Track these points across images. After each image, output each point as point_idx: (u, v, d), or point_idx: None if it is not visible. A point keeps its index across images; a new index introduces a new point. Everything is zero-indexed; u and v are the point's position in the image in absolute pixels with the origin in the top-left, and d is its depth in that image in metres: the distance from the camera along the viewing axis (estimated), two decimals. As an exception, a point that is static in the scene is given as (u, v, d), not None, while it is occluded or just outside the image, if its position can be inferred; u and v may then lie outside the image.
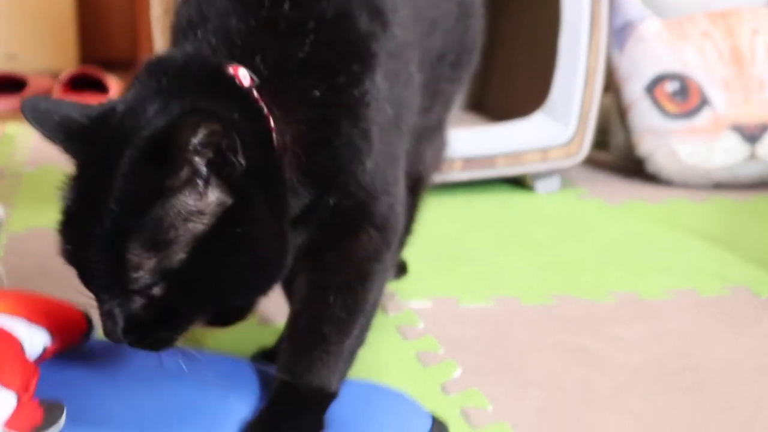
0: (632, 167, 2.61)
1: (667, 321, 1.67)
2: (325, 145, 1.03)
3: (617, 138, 2.74)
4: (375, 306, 1.18)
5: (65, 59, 3.80)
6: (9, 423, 1.02)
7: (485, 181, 2.44)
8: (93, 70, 3.43)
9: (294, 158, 1.01)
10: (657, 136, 2.52)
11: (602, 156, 2.75)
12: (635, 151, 2.56)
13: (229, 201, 0.94)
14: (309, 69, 1.02)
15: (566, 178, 2.52)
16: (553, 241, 2.10)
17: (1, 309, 1.15)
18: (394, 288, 1.69)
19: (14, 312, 1.15)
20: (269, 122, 0.99)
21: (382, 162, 1.10)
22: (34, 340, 1.14)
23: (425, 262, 1.86)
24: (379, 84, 1.07)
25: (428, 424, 1.18)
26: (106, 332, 0.97)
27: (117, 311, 0.95)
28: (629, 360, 1.50)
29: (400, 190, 1.17)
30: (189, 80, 0.98)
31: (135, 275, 0.92)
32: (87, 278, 0.96)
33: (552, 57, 2.38)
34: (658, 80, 2.52)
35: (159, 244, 0.92)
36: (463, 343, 1.54)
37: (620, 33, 2.54)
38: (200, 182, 0.93)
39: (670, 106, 2.52)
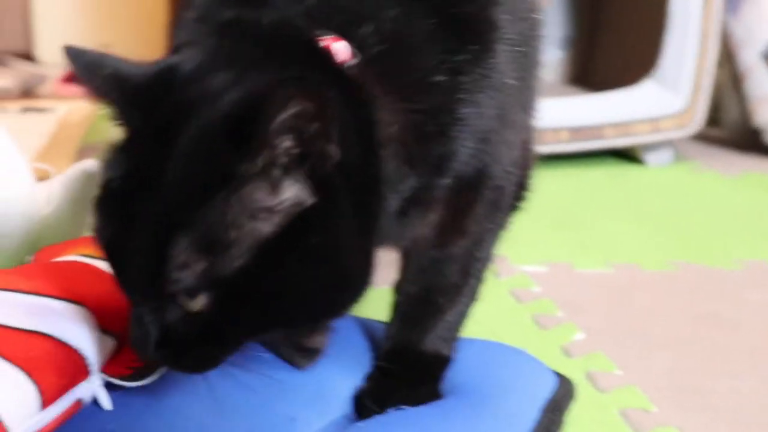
0: (749, 140, 2.47)
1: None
2: (443, 135, 0.86)
3: (731, 113, 2.60)
4: (486, 266, 1.09)
5: (158, 47, 3.79)
6: (107, 367, 0.95)
7: (593, 153, 2.32)
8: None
9: (401, 149, 0.82)
10: (775, 105, 2.38)
11: (715, 132, 2.61)
12: (751, 123, 2.42)
13: (309, 201, 0.74)
14: (431, 46, 0.83)
15: (678, 151, 2.39)
16: (669, 210, 1.99)
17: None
18: (505, 252, 1.59)
19: None
20: (373, 109, 0.79)
21: (502, 135, 0.94)
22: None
23: (536, 229, 1.76)
24: (503, 58, 0.90)
25: (554, 381, 1.08)
26: (134, 342, 0.78)
27: (149, 319, 0.77)
28: (763, 322, 1.39)
29: (515, 153, 1.04)
30: (273, 49, 0.78)
31: (176, 276, 0.72)
32: (120, 270, 0.77)
33: (661, 21, 2.25)
34: (776, 45, 2.38)
35: (214, 243, 0.72)
36: (582, 306, 1.44)
37: (735, -2, 2.41)
38: (277, 172, 0.72)
39: (789, 73, 2.38)
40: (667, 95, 2.26)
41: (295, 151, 0.72)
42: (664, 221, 1.89)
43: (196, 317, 0.75)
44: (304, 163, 0.73)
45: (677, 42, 2.25)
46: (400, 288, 1.06)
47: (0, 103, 2.80)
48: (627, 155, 2.37)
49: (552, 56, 2.66)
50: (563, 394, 1.07)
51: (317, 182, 0.74)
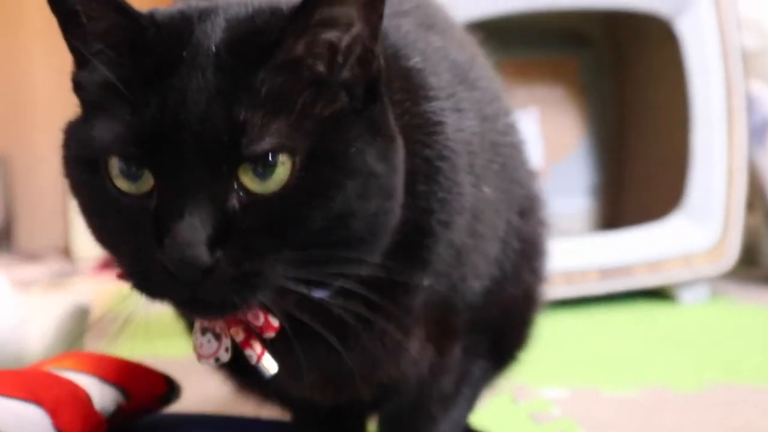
0: (789, 277, 2.37)
1: None
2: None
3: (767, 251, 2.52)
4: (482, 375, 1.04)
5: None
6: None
7: (623, 295, 2.23)
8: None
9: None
10: (812, 238, 2.30)
11: (754, 272, 2.52)
12: (789, 257, 2.33)
13: (359, 89, 0.76)
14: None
15: (715, 289, 2.29)
16: (705, 340, 1.88)
17: (72, 366, 1.05)
18: (525, 378, 1.50)
19: (86, 369, 1.05)
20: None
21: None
22: (106, 396, 1.03)
23: (561, 360, 1.67)
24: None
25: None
26: (180, 255, 0.68)
27: (199, 218, 0.69)
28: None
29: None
30: None
31: (253, 136, 0.69)
32: (177, 153, 0.70)
33: (686, 157, 2.21)
34: (806, 177, 2.32)
35: (281, 107, 0.71)
36: (605, 426, 1.33)
37: (760, 131, 2.36)
38: (341, 53, 0.75)
39: (823, 204, 2.30)
40: (697, 228, 2.19)
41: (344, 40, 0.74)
42: (699, 348, 1.79)
43: (258, 204, 0.70)
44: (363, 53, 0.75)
45: (703, 175, 2.20)
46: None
47: (26, 288, 2.82)
48: (661, 295, 2.27)
49: (580, 205, 2.61)
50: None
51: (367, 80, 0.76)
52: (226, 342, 0.81)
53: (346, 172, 0.73)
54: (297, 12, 0.72)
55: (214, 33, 0.73)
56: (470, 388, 1.04)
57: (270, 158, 0.70)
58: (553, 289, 2.08)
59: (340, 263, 0.75)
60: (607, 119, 2.61)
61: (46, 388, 0.94)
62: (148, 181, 0.72)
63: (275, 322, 0.78)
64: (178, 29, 0.74)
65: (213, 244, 0.69)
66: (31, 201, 3.91)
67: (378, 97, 0.77)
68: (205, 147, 0.69)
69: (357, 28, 0.74)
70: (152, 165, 0.71)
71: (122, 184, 0.72)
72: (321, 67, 0.75)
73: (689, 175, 2.20)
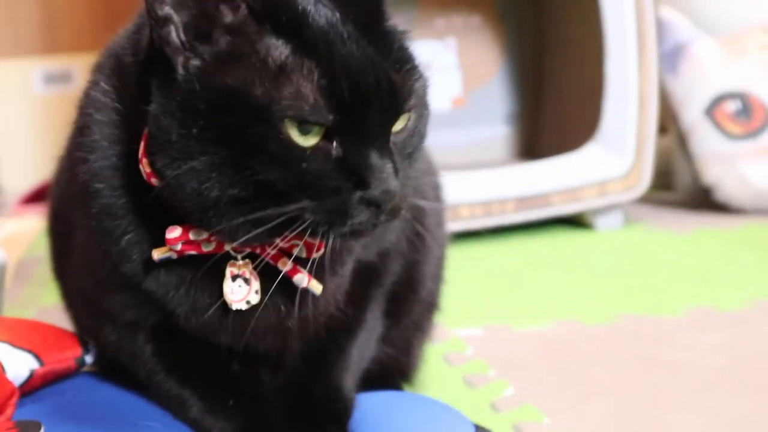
0: (700, 200, 2.43)
1: (749, 328, 1.49)
2: None
3: (682, 174, 2.57)
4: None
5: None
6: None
7: (541, 222, 2.27)
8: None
9: None
10: (722, 161, 2.35)
11: (668, 196, 2.58)
12: (701, 181, 2.39)
13: None
14: None
15: (629, 215, 2.35)
16: (617, 269, 1.94)
17: None
18: (440, 318, 1.54)
19: None
20: None
21: None
22: (18, 363, 1.03)
23: (475, 296, 1.71)
24: None
25: (470, 430, 1.02)
26: (386, 189, 0.82)
27: (388, 159, 0.84)
28: (706, 363, 1.33)
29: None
30: None
31: (403, 95, 0.85)
32: (357, 117, 0.82)
33: (600, 86, 2.24)
34: (718, 101, 2.36)
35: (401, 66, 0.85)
36: (517, 363, 1.38)
37: (672, 57, 2.40)
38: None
39: (733, 127, 2.35)
40: (611, 157, 2.23)
41: None
42: (611, 279, 1.84)
43: (398, 138, 0.86)
44: None
45: (616, 104, 2.23)
46: None
47: (-50, 226, 2.78)
48: (578, 223, 2.32)
49: (499, 133, 2.64)
50: (480, 442, 1.02)
51: None
52: (256, 285, 0.90)
53: (425, 108, 0.91)
54: None
55: (321, 2, 0.84)
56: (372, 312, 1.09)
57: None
58: (471, 220, 2.13)
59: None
60: (525, 48, 2.63)
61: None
62: (317, 134, 0.81)
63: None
64: (281, 2, 0.83)
65: (395, 176, 0.83)
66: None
67: None
68: (382, 106, 0.83)
69: None
70: (335, 121, 0.81)
71: (299, 138, 0.80)
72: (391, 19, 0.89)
73: (603, 104, 2.23)
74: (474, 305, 1.66)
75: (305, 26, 0.82)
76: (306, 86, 0.80)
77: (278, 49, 0.81)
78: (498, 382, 1.30)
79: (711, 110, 2.36)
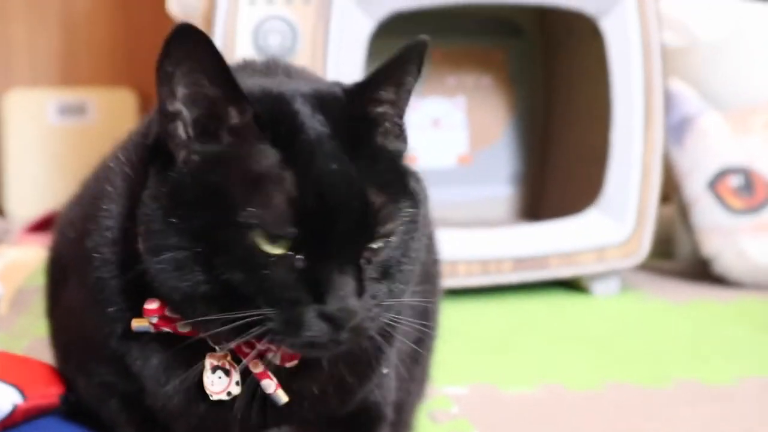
0: (699, 270, 2.44)
1: (734, 404, 1.50)
2: None
3: (682, 245, 2.58)
4: None
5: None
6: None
7: (538, 284, 2.28)
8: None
9: None
10: (723, 234, 2.36)
11: (667, 265, 2.58)
12: (700, 252, 2.40)
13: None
14: None
15: (627, 281, 2.36)
16: (609, 335, 1.95)
17: None
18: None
19: None
20: None
21: None
22: (1, 396, 1.04)
23: (464, 354, 1.72)
24: None
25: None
26: (342, 307, 0.83)
27: (351, 277, 0.84)
28: (690, 438, 1.33)
29: None
30: None
31: (380, 217, 0.86)
32: (325, 234, 0.84)
33: (605, 153, 2.26)
34: (721, 175, 2.38)
35: (384, 184, 0.88)
36: (500, 426, 1.38)
37: (678, 128, 2.41)
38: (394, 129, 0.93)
39: (735, 202, 2.37)
40: (612, 224, 2.25)
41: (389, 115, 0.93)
42: (602, 345, 1.85)
43: (374, 256, 0.87)
44: None
45: (620, 172, 2.25)
46: None
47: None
48: (575, 286, 2.33)
49: (503, 193, 2.65)
50: None
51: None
52: (236, 376, 0.91)
53: (415, 221, 0.91)
54: (361, 92, 0.90)
55: (315, 116, 0.87)
56: None
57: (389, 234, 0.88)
58: (468, 277, 2.15)
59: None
60: (533, 110, 2.65)
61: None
62: (283, 244, 0.83)
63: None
64: (281, 109, 0.87)
65: (358, 295, 0.84)
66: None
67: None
68: (353, 226, 0.84)
69: (398, 103, 0.92)
70: (301, 236, 0.82)
71: (268, 247, 0.82)
72: (386, 140, 0.92)
73: (607, 171, 2.25)
74: (463, 363, 1.66)
75: (296, 139, 0.85)
76: (277, 197, 0.82)
77: (268, 158, 0.84)
78: (479, 443, 1.30)
79: (714, 183, 2.38)
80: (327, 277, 0.83)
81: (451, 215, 2.49)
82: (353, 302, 0.83)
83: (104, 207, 0.95)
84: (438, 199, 2.54)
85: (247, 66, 1.09)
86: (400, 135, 0.93)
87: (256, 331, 0.83)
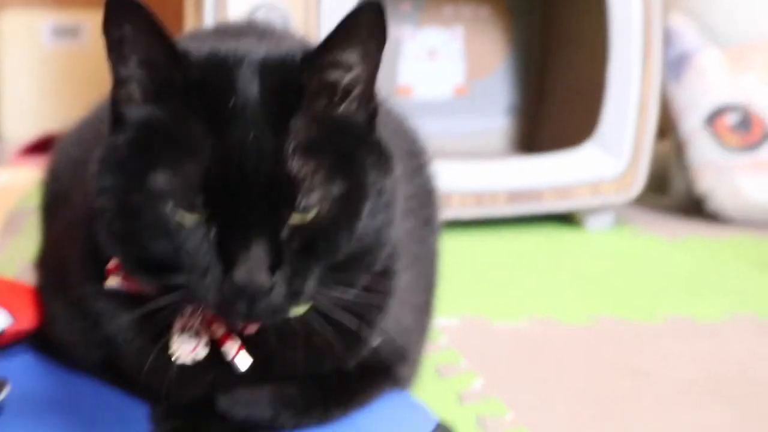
0: (692, 207, 2.43)
1: (724, 341, 1.51)
2: None
3: (676, 181, 2.57)
4: None
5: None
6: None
7: (532, 217, 2.28)
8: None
9: None
10: (717, 171, 2.35)
11: (661, 200, 2.58)
12: (694, 189, 2.39)
13: (363, 122, 0.89)
14: None
15: (621, 216, 2.35)
16: (602, 270, 1.94)
17: None
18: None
19: None
20: None
21: None
22: (-10, 320, 1.04)
23: (457, 286, 1.71)
24: None
25: (431, 425, 1.04)
26: (248, 280, 0.80)
27: (262, 250, 0.81)
28: (679, 374, 1.35)
29: None
30: None
31: (304, 188, 0.83)
32: (237, 204, 0.81)
33: (602, 86, 2.24)
34: (718, 112, 2.36)
35: (316, 149, 0.84)
36: (490, 357, 1.39)
37: (676, 65, 2.39)
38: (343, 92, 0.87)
39: (731, 139, 2.36)
40: (607, 158, 2.24)
41: (348, 80, 0.86)
42: (593, 279, 1.85)
43: (300, 232, 0.83)
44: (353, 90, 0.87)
45: (617, 106, 2.23)
46: None
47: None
48: (569, 220, 2.33)
49: (498, 123, 2.64)
50: (439, 438, 1.03)
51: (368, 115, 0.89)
52: (204, 339, 0.90)
53: (364, 196, 0.87)
54: (312, 56, 0.85)
55: (254, 81, 0.84)
56: None
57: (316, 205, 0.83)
58: (463, 210, 2.14)
59: (352, 275, 0.88)
60: (531, 42, 2.62)
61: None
62: (204, 212, 0.82)
63: None
64: (220, 74, 0.85)
65: (272, 269, 0.81)
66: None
67: (374, 127, 0.90)
68: (267, 196, 0.81)
69: (357, 70, 0.86)
70: (215, 206, 0.81)
71: (182, 216, 0.82)
72: (329, 105, 0.87)
73: (603, 105, 2.23)
74: (454, 295, 1.65)
75: (224, 106, 0.83)
76: (190, 166, 0.81)
77: (190, 125, 0.82)
78: (468, 373, 1.31)
79: (711, 120, 2.36)
80: (237, 249, 0.81)
81: (447, 146, 2.48)
82: (262, 276, 0.80)
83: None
84: (434, 131, 2.53)
85: (222, 29, 1.08)
86: (365, 102, 0.89)
87: (175, 296, 0.83)
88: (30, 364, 1.08)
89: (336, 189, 0.84)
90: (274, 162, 0.81)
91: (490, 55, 2.61)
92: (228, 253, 0.81)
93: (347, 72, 0.86)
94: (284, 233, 0.82)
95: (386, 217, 0.89)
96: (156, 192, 0.81)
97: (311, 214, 0.83)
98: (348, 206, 0.85)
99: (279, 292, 0.82)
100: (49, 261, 1.12)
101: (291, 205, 0.82)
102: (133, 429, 0.97)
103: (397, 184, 0.91)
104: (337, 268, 0.86)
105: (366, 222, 0.86)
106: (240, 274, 0.80)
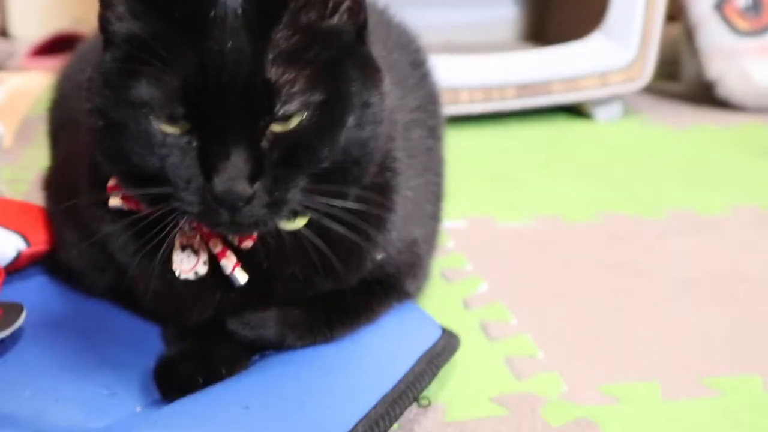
0: (702, 94, 2.43)
1: (726, 235, 1.53)
2: None
3: (687, 67, 2.56)
4: None
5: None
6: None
7: (541, 110, 2.28)
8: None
9: None
10: (727, 56, 2.34)
11: (671, 87, 2.57)
12: (704, 75, 2.38)
13: (350, 35, 0.89)
14: None
15: (630, 106, 2.36)
16: (609, 163, 1.96)
17: None
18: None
19: None
20: None
21: None
22: (5, 243, 1.07)
23: (464, 185, 1.73)
24: None
25: (437, 333, 1.07)
26: (227, 188, 0.81)
27: (241, 159, 0.82)
28: (679, 272, 1.37)
29: None
30: None
31: (283, 95, 0.83)
32: (216, 113, 0.82)
33: (610, -26, 2.22)
34: (728, -5, 2.34)
35: (297, 58, 0.84)
36: (495, 259, 1.42)
37: (686, -52, 2.36)
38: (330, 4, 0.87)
39: (742, 23, 2.34)
40: (615, 48, 2.23)
41: None
42: (600, 174, 1.87)
43: (282, 140, 0.84)
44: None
45: (624, -6, 2.22)
46: None
47: (-43, 77, 2.79)
48: (578, 112, 2.33)
49: (506, 13, 2.62)
50: (444, 346, 1.07)
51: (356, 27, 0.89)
52: (204, 256, 0.93)
53: (348, 106, 0.87)
54: None
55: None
56: None
57: (296, 112, 0.84)
58: (471, 105, 2.15)
59: (340, 186, 0.89)
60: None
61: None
62: (186, 124, 0.83)
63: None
64: None
65: (252, 177, 0.82)
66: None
67: (364, 39, 0.91)
68: (246, 105, 0.82)
69: None
70: (195, 117, 0.82)
71: (165, 128, 0.83)
72: (315, 16, 0.86)
73: (611, -7, 2.22)
74: (462, 195, 1.68)
75: (204, 16, 0.83)
76: (169, 77, 0.82)
77: (171, 37, 0.83)
78: (473, 278, 1.34)
79: (721, 4, 2.34)
80: (216, 158, 0.82)
81: (455, 37, 2.47)
82: (241, 185, 0.81)
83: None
84: (441, 21, 2.53)
85: None
86: (354, 14, 0.89)
87: (163, 206, 0.85)
88: (44, 287, 1.11)
89: (317, 97, 0.84)
90: (252, 70, 0.82)
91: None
92: (209, 163, 0.82)
93: None
94: (264, 142, 0.84)
95: (372, 130, 0.89)
96: (138, 104, 0.83)
97: (292, 123, 0.84)
98: (330, 116, 0.86)
99: (260, 201, 0.83)
100: (57, 185, 1.14)
101: (270, 113, 0.83)
102: (146, 349, 1.00)
103: (387, 97, 0.92)
104: (323, 179, 0.87)
105: (351, 133, 0.87)
106: (220, 183, 0.81)
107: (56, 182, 1.15)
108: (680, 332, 1.18)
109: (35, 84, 2.63)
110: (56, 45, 3.24)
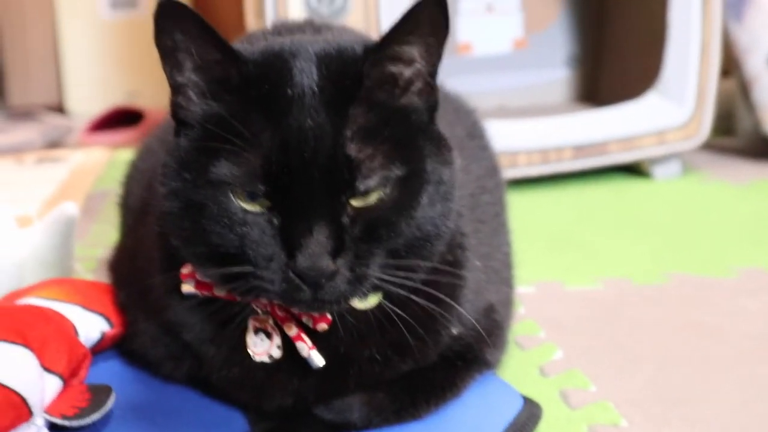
0: (760, 148, 2.42)
1: (798, 293, 1.51)
2: None
3: (743, 122, 2.56)
4: None
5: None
6: (51, 407, 0.95)
7: (598, 170, 2.29)
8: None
9: None
10: (784, 110, 2.34)
11: (728, 142, 2.57)
12: (762, 129, 2.38)
13: (423, 113, 0.91)
14: None
15: (688, 163, 2.35)
16: (671, 222, 1.96)
17: (56, 296, 1.11)
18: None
19: (69, 299, 1.12)
20: None
21: None
22: (90, 325, 1.09)
23: (529, 251, 1.74)
24: None
25: (519, 404, 1.08)
26: (310, 265, 0.82)
27: (323, 235, 0.83)
28: (752, 330, 1.36)
29: None
30: None
31: (363, 170, 0.85)
32: (299, 190, 0.83)
33: (663, 33, 2.23)
34: (781, 50, 2.34)
35: (374, 133, 0.86)
36: (567, 325, 1.42)
37: (737, 4, 2.37)
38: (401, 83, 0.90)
39: (797, 78, 2.33)
40: (671, 106, 2.24)
41: (408, 73, 0.89)
42: (664, 233, 1.86)
43: (362, 216, 0.85)
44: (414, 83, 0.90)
45: (679, 52, 2.23)
46: None
47: (19, 155, 2.86)
48: (634, 170, 2.33)
49: (558, 74, 2.63)
50: (528, 416, 1.07)
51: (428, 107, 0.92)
52: (277, 340, 0.94)
53: (424, 182, 0.88)
54: (373, 49, 0.88)
55: (311, 71, 0.87)
56: None
57: (376, 188, 0.86)
58: (529, 168, 2.16)
59: (414, 263, 0.90)
60: (588, -9, 2.61)
61: (32, 326, 0.99)
62: (265, 201, 0.85)
63: (328, 316, 0.92)
64: (276, 67, 0.87)
65: (334, 253, 0.83)
66: (22, 57, 3.90)
67: (434, 119, 0.93)
68: (327, 180, 0.83)
69: (418, 65, 0.89)
70: (276, 194, 0.84)
71: (245, 205, 0.85)
72: (388, 95, 0.89)
73: (665, 51, 2.23)
74: (527, 260, 1.68)
75: (281, 95, 0.85)
76: (250, 154, 0.84)
77: (249, 116, 0.85)
78: (547, 344, 1.34)
79: (775, 59, 2.34)
80: (299, 234, 0.83)
81: (508, 101, 2.49)
82: (325, 261, 0.82)
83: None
84: (495, 86, 2.55)
85: (278, 28, 1.11)
86: (427, 92, 0.91)
87: (242, 286, 0.86)
88: (125, 367, 1.13)
89: (395, 173, 0.86)
90: (332, 147, 0.83)
91: (548, 5, 2.61)
92: (291, 240, 0.83)
93: (408, 66, 0.89)
94: (345, 218, 0.84)
95: (445, 207, 0.90)
96: (218, 183, 0.85)
97: (371, 199, 0.85)
98: (408, 192, 0.87)
99: (342, 277, 0.84)
100: (124, 269, 1.16)
101: (351, 188, 0.84)
102: (233, 428, 1.01)
103: (457, 175, 0.93)
104: (397, 255, 0.88)
105: (425, 209, 0.88)
106: (303, 259, 0.82)
107: (124, 266, 1.17)
108: (761, 393, 1.17)
109: (96, 159, 2.69)
110: (113, 120, 3.31)
